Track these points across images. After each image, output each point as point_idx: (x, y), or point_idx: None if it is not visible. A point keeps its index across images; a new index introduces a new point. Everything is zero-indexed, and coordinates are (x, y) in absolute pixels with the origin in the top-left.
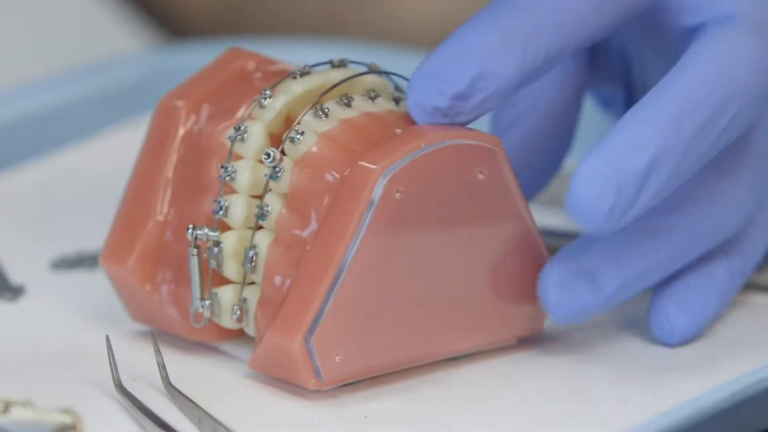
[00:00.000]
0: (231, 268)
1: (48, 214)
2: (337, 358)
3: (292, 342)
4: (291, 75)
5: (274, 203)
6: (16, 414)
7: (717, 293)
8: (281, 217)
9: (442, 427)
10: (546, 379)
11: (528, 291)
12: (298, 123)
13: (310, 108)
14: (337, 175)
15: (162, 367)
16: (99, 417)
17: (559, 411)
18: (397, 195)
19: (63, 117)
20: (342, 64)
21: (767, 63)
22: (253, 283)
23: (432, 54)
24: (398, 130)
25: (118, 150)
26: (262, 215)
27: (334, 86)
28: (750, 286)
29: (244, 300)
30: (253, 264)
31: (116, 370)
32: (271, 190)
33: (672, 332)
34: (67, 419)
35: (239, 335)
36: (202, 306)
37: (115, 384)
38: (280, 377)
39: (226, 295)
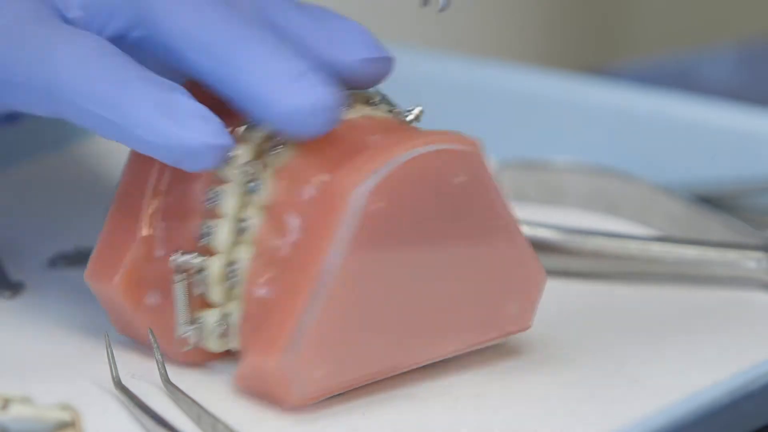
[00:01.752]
0: (217, 293)
1: (48, 211)
2: (318, 374)
3: (270, 361)
4: None
5: (254, 217)
6: (15, 410)
7: None
8: (261, 229)
9: (442, 429)
10: (543, 376)
11: (512, 288)
12: (278, 133)
13: None
14: (314, 187)
15: (161, 365)
16: (98, 414)
17: (558, 407)
18: (376, 208)
19: None
20: None
21: None
22: (236, 298)
23: None
24: (374, 137)
25: (120, 148)
26: (241, 230)
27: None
28: (749, 283)
29: (227, 315)
30: (235, 279)
31: (115, 368)
32: (251, 203)
33: None
34: (66, 416)
35: (225, 357)
36: (189, 331)
37: (114, 381)
38: (263, 397)
39: (211, 318)
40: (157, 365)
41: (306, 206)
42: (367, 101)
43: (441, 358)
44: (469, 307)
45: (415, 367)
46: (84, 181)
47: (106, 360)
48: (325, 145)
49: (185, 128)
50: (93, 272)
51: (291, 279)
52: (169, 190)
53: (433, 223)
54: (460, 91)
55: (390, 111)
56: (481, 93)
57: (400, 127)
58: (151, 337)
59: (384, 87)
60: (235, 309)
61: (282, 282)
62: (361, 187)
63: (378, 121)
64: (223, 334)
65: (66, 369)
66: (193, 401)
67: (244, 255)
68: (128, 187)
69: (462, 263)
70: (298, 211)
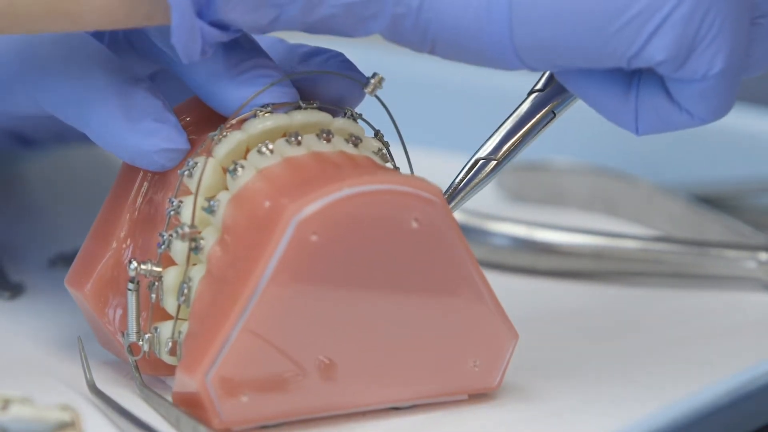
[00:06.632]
0: (170, 303)
1: (48, 211)
2: (244, 398)
3: (192, 379)
4: (253, 113)
5: (209, 237)
6: (16, 411)
7: None
8: (212, 250)
9: None
10: (542, 377)
11: (475, 345)
12: (243, 158)
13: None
14: (261, 212)
15: (136, 369)
16: (98, 414)
17: (559, 408)
18: (313, 238)
19: None
20: (310, 105)
21: None
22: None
23: None
24: (334, 172)
25: None
26: (195, 248)
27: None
28: (749, 282)
29: (179, 333)
30: (184, 297)
31: (89, 371)
32: (209, 223)
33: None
34: (66, 416)
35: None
36: (141, 340)
37: (89, 385)
38: (196, 414)
39: (166, 330)
40: (132, 370)
41: (250, 230)
42: (351, 139)
43: (392, 405)
44: (422, 357)
45: (361, 409)
46: (84, 181)
47: (105, 361)
48: (285, 173)
49: (139, 129)
50: (70, 278)
51: (224, 300)
52: (149, 201)
53: (384, 265)
54: (460, 92)
55: (379, 149)
56: (481, 93)
57: (368, 165)
58: (122, 339)
59: (384, 88)
60: (185, 328)
61: (218, 302)
62: (297, 213)
63: (350, 158)
64: (172, 351)
65: (66, 369)
66: (171, 404)
67: (197, 274)
68: (114, 196)
69: (415, 311)
70: (243, 235)
